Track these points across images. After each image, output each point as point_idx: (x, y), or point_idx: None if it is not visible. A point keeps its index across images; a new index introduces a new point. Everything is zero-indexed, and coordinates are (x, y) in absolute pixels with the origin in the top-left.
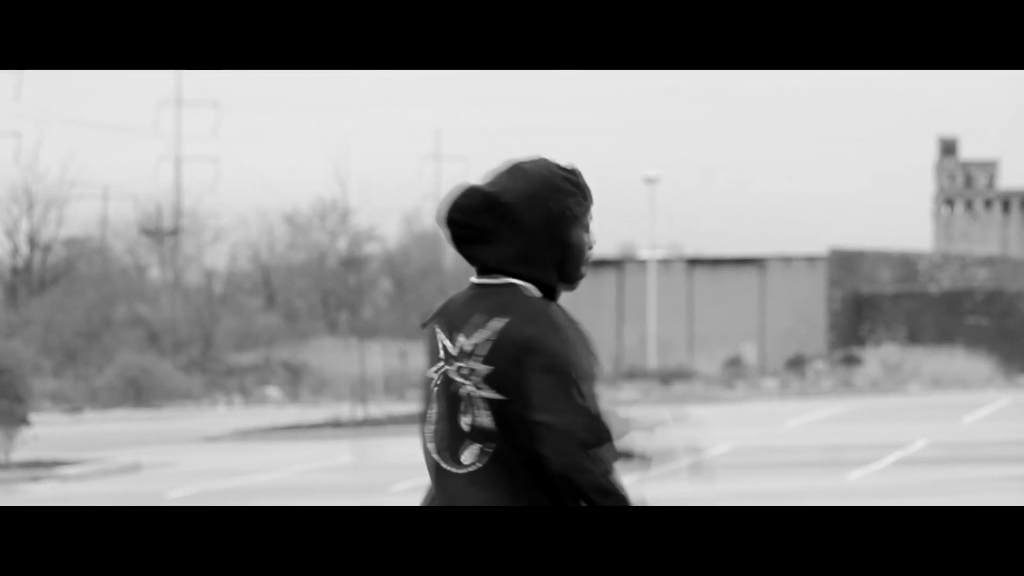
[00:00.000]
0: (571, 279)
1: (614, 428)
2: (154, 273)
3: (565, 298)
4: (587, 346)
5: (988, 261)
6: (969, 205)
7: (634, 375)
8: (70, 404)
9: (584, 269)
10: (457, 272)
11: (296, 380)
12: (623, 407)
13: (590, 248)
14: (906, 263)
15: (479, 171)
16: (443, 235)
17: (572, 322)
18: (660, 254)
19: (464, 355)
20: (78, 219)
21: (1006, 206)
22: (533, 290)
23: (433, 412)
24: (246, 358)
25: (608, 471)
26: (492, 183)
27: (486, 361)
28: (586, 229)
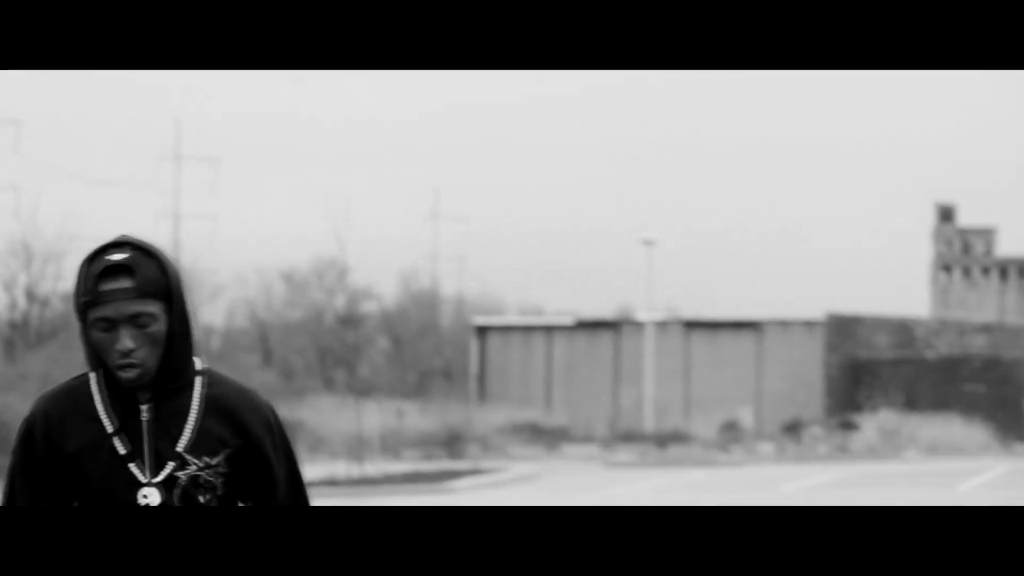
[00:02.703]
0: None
1: None
2: None
3: (568, 358)
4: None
5: (985, 328)
6: (967, 272)
7: (630, 438)
8: None
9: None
10: (454, 331)
11: (292, 438)
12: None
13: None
14: (903, 329)
15: (477, 230)
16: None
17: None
18: (657, 316)
19: None
20: (75, 274)
21: (1004, 273)
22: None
23: None
24: None
25: None
26: None
27: None
28: (92, 325)
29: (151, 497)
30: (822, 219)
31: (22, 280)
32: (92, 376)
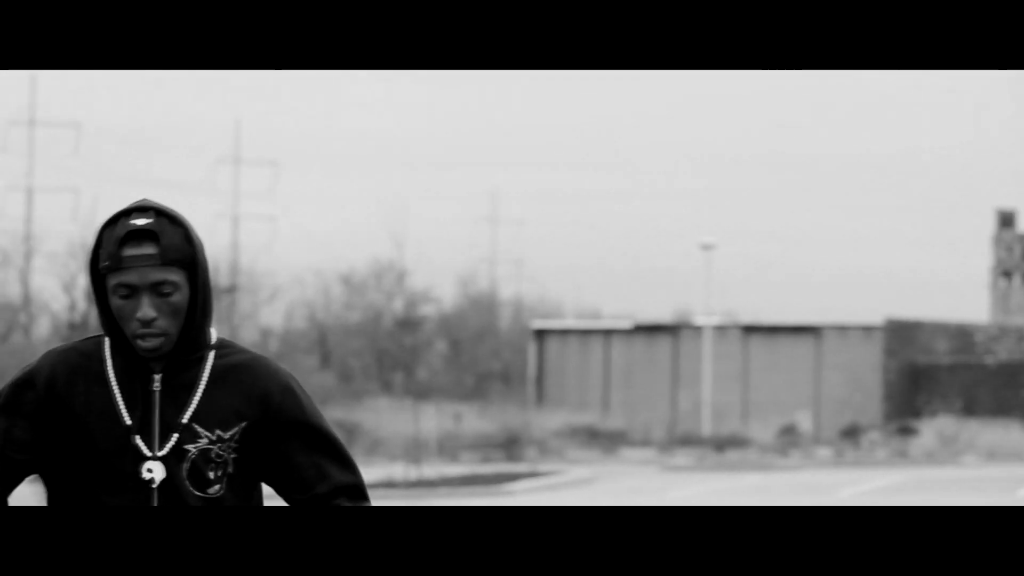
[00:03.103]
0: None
1: None
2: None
3: (625, 361)
4: None
5: None
6: None
7: (688, 441)
8: None
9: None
10: (512, 334)
11: (349, 440)
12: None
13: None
14: (963, 334)
15: (535, 233)
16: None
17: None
18: (716, 321)
19: None
20: None
21: None
22: None
23: None
24: None
25: None
26: None
27: None
28: (113, 291)
29: (155, 471)
30: (881, 224)
31: (81, 282)
32: (106, 340)
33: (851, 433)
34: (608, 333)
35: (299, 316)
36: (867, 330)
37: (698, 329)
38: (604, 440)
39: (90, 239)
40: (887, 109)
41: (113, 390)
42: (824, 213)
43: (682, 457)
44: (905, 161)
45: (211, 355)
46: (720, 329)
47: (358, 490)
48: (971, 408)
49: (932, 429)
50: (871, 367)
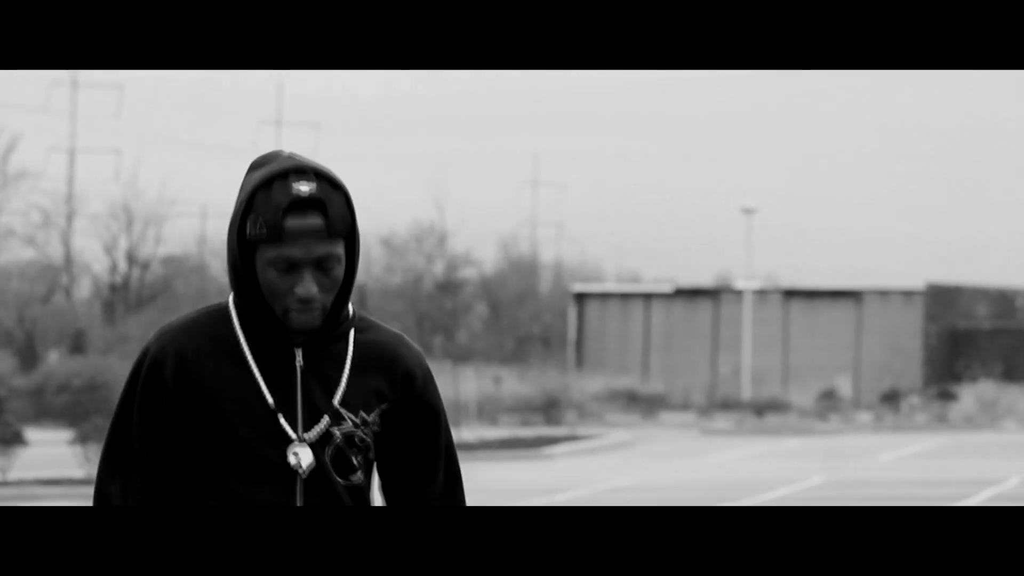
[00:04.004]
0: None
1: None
2: None
3: (666, 326)
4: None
5: None
6: None
7: (728, 406)
8: None
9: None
10: (553, 298)
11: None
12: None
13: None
14: (1004, 299)
15: (576, 197)
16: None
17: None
18: (756, 285)
19: None
20: (176, 237)
21: None
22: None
23: None
24: None
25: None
26: None
27: None
28: (268, 263)
29: (303, 455)
30: (922, 189)
31: (123, 243)
32: (231, 312)
33: (891, 398)
34: (648, 297)
35: None
36: (908, 295)
37: (739, 293)
38: (643, 404)
39: (133, 201)
40: (927, 75)
41: (252, 368)
42: (865, 177)
43: (721, 421)
44: (947, 126)
45: (356, 331)
46: (760, 293)
47: (459, 493)
48: (1011, 373)
49: (972, 394)
50: (911, 332)
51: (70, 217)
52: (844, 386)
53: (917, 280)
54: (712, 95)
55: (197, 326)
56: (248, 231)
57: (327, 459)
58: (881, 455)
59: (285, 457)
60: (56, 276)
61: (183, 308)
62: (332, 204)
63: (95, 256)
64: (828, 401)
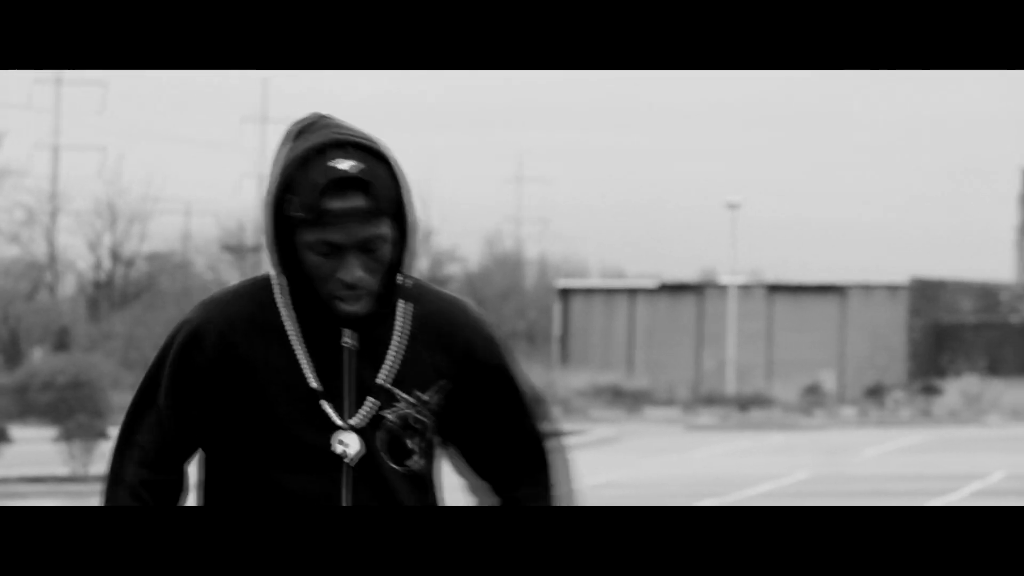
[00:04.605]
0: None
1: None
2: None
3: (650, 321)
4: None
5: None
6: None
7: (712, 400)
8: None
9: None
10: (537, 294)
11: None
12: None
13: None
14: (987, 293)
15: (561, 193)
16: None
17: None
18: (741, 280)
19: None
20: (160, 234)
21: None
22: None
23: None
24: None
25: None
26: None
27: None
28: (309, 247)
29: (349, 444)
30: (907, 183)
31: (107, 240)
32: (276, 286)
33: (875, 392)
34: (633, 292)
35: None
36: (892, 289)
37: (723, 288)
38: (628, 399)
39: (117, 198)
40: (914, 68)
41: (294, 346)
42: (850, 172)
43: (706, 416)
44: (930, 119)
45: (406, 301)
46: (745, 288)
47: (543, 477)
48: (995, 367)
49: (956, 388)
50: (896, 326)
51: (54, 214)
52: (828, 381)
53: (901, 275)
54: (696, 91)
55: (241, 300)
56: (286, 210)
57: (378, 445)
58: (865, 450)
59: (329, 444)
60: (40, 273)
61: (167, 306)
62: (376, 181)
63: (79, 253)
64: (812, 396)
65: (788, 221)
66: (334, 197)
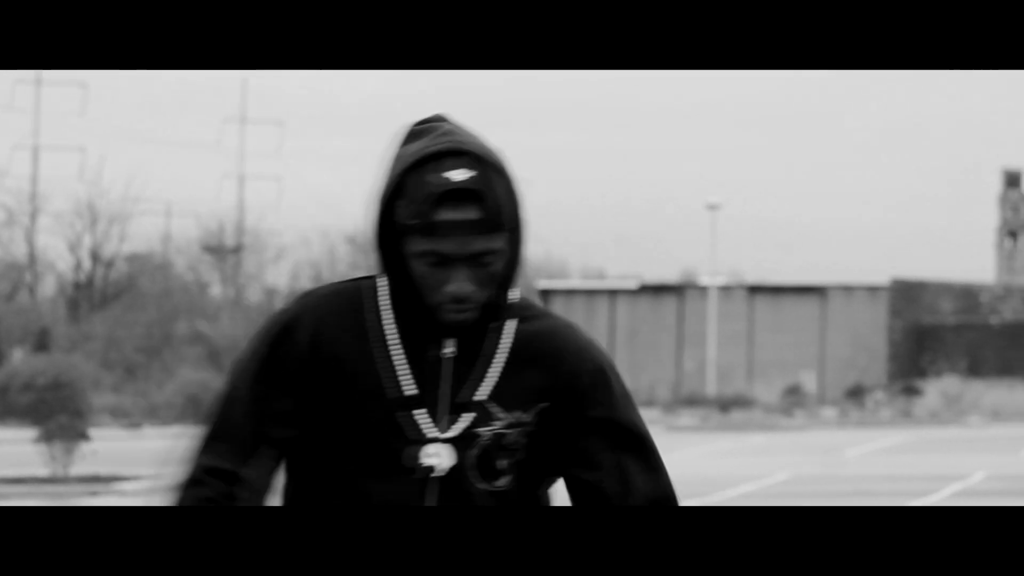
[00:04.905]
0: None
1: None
2: (215, 290)
3: (631, 322)
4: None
5: None
6: None
7: (693, 402)
8: (129, 420)
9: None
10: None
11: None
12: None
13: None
14: (968, 294)
15: (541, 194)
16: None
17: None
18: (721, 281)
19: None
20: (141, 235)
21: None
22: None
23: None
24: None
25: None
26: None
27: None
28: (418, 256)
29: (441, 457)
30: (888, 185)
31: (87, 241)
32: (379, 286)
33: (856, 393)
34: (613, 293)
35: (305, 276)
36: (872, 290)
37: (703, 289)
38: None
39: (97, 199)
40: (895, 71)
41: (392, 351)
42: (830, 172)
43: (687, 417)
44: (912, 120)
45: (513, 320)
46: (725, 289)
47: (667, 502)
48: (976, 368)
49: (937, 389)
50: (876, 327)
51: (34, 215)
52: (809, 382)
53: (881, 275)
54: (676, 91)
55: (341, 297)
56: (397, 215)
57: (472, 461)
58: (846, 450)
59: (417, 455)
60: (20, 274)
61: (147, 307)
62: (491, 194)
63: (59, 254)
64: (793, 397)
65: (768, 222)
66: (447, 208)
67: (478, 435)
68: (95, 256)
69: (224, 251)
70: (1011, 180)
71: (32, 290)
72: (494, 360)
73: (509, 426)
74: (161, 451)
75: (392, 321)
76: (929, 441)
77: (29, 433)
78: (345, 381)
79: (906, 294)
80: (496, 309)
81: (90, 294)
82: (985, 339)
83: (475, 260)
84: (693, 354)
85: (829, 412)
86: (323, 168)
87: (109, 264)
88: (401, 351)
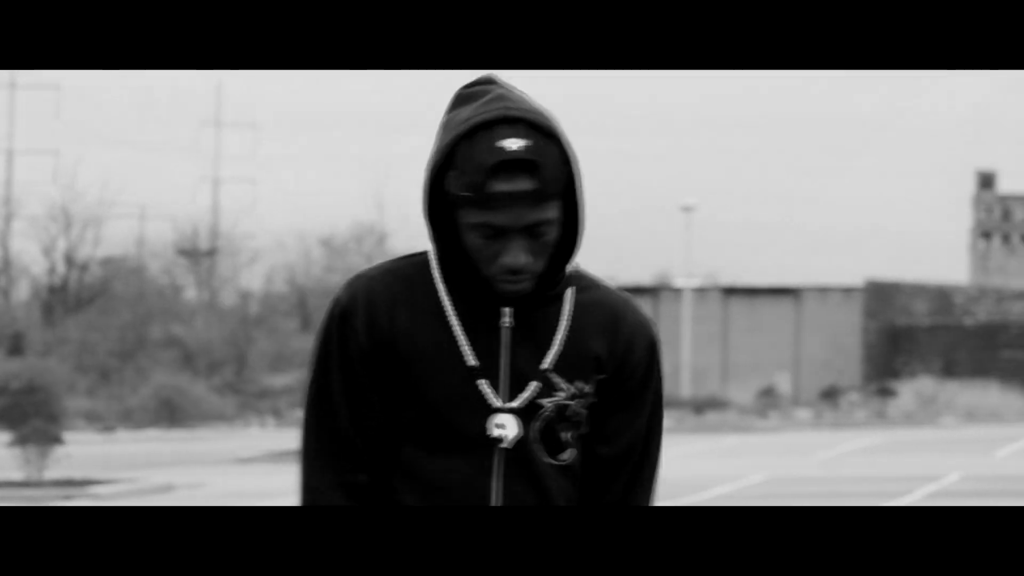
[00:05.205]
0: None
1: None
2: (190, 294)
3: None
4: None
5: None
6: (1006, 239)
7: (667, 403)
8: (103, 423)
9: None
10: None
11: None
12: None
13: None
14: (942, 296)
15: None
16: None
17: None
18: (696, 283)
19: None
20: (115, 239)
21: None
22: None
23: None
24: (280, 380)
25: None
26: None
27: None
28: (472, 228)
29: (507, 427)
30: (862, 186)
31: (61, 245)
32: (432, 261)
33: (830, 394)
34: None
35: (279, 279)
36: (847, 292)
37: (678, 291)
38: None
39: (71, 203)
40: (868, 71)
41: (452, 323)
42: (805, 174)
43: None
44: (886, 122)
45: (571, 289)
46: (700, 291)
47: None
48: (950, 369)
49: (911, 390)
50: (850, 329)
51: (8, 219)
52: (783, 383)
53: (856, 277)
54: (651, 93)
55: (392, 275)
56: (448, 187)
57: (532, 434)
58: (821, 452)
59: (483, 427)
60: None
61: (122, 310)
62: (545, 162)
63: (33, 258)
64: (768, 398)
65: (743, 224)
66: (501, 179)
67: (541, 406)
68: (69, 260)
69: (199, 254)
70: (985, 182)
71: (6, 294)
72: (556, 330)
73: (571, 397)
74: (135, 455)
75: (446, 293)
76: (903, 442)
77: (3, 437)
78: (404, 359)
79: (880, 295)
80: (553, 278)
81: (64, 298)
82: (959, 340)
83: (530, 231)
84: (667, 355)
85: (804, 413)
86: (298, 171)
87: (83, 268)
88: (458, 323)
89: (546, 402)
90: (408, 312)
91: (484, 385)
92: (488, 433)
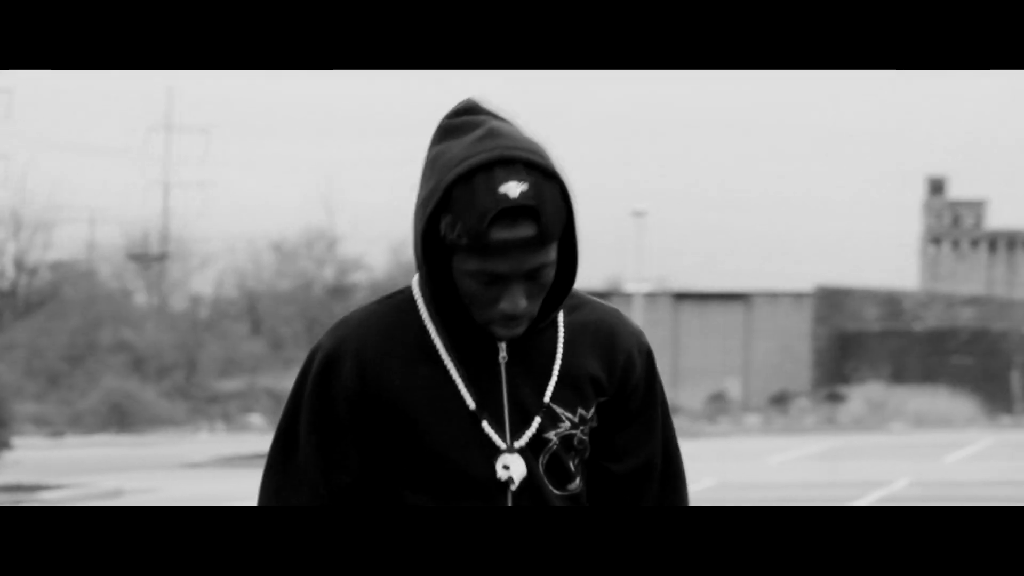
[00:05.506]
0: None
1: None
2: (140, 298)
3: None
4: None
5: (973, 301)
6: (956, 244)
7: None
8: (53, 428)
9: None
10: None
11: (279, 407)
12: None
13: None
14: (892, 301)
15: None
16: None
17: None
18: (646, 288)
19: None
20: (65, 243)
21: (993, 246)
22: None
23: None
24: (230, 385)
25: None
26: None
27: None
28: (469, 274)
29: (514, 467)
30: (812, 191)
31: (11, 249)
32: (418, 299)
33: (780, 400)
34: None
35: (229, 284)
36: (797, 297)
37: (628, 296)
38: None
39: (21, 207)
40: (818, 75)
41: (447, 365)
42: (756, 179)
43: None
44: (836, 127)
45: (563, 312)
46: (651, 296)
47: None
48: (899, 375)
49: (861, 396)
50: (800, 334)
51: None
52: (733, 388)
53: (806, 282)
54: (601, 97)
55: (377, 318)
56: (443, 231)
57: (541, 468)
58: (770, 457)
59: (491, 469)
60: None
61: (71, 315)
62: (546, 206)
63: None
64: (717, 403)
65: (694, 229)
66: (502, 227)
67: (547, 440)
68: (19, 264)
69: (149, 259)
70: (935, 187)
71: None
72: (553, 359)
73: (574, 425)
74: (84, 460)
75: (437, 334)
76: (853, 448)
77: None
78: (401, 407)
79: (830, 301)
80: (548, 312)
81: (13, 302)
82: (909, 346)
83: (529, 275)
84: None
85: (753, 419)
86: (249, 175)
87: (33, 272)
88: (453, 365)
89: (551, 435)
90: (400, 357)
91: (487, 427)
92: (497, 477)
